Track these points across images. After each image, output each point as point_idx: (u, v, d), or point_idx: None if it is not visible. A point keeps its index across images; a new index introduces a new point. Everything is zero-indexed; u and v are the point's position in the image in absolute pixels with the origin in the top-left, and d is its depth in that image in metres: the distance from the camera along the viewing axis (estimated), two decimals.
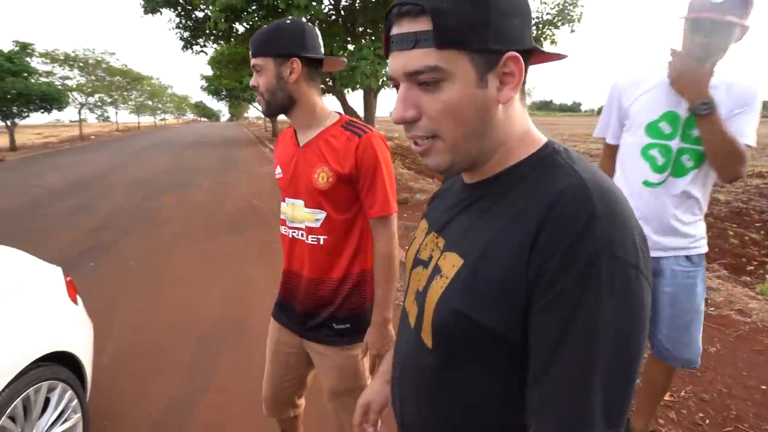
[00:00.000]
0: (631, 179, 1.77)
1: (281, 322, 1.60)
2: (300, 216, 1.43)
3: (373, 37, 6.12)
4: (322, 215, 1.39)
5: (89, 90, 31.98)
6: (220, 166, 13.78)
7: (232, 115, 79.97)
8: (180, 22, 6.75)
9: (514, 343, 0.56)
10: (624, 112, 1.81)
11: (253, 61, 1.34)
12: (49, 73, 26.45)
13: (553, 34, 6.27)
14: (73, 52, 29.04)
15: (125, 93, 41.93)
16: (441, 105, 0.58)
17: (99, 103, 36.36)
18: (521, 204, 0.58)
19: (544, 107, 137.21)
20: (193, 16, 6.73)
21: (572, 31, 6.15)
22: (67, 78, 29.47)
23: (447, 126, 0.59)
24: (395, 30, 0.59)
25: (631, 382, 0.51)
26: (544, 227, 0.52)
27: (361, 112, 7.25)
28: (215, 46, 8.30)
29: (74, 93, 30.32)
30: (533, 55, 0.62)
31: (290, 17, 1.40)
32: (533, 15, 6.42)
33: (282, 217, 1.50)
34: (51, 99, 21.50)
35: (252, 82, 1.37)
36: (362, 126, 1.40)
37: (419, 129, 0.61)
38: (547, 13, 6.19)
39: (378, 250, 1.42)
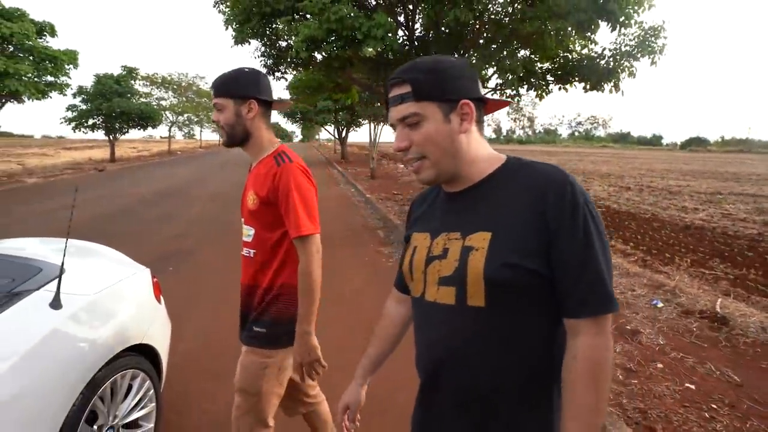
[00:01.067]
0: None
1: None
2: (244, 232, 1.65)
3: None
4: (251, 231, 1.61)
5: (180, 110, 35.14)
6: None
7: (304, 137, 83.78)
8: (265, 51, 7.34)
9: (548, 277, 0.84)
10: None
11: (215, 101, 1.57)
12: (147, 95, 29.47)
13: (632, 66, 6.07)
14: (169, 75, 32.19)
15: (210, 113, 45.50)
16: (422, 136, 0.91)
17: (187, 122, 39.80)
18: (522, 190, 0.88)
19: (621, 139, 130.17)
20: (277, 45, 7.29)
21: (653, 63, 5.91)
22: (162, 99, 32.63)
23: (429, 149, 0.91)
24: (391, 94, 0.92)
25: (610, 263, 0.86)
26: (549, 199, 0.84)
27: None
28: (294, 72, 8.92)
29: (167, 112, 33.45)
30: (485, 102, 0.97)
31: (248, 67, 1.63)
32: (611, 47, 6.26)
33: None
34: (147, 117, 23.89)
35: (214, 117, 1.60)
36: (287, 157, 1.59)
37: (411, 153, 0.93)
38: (626, 45, 6.02)
39: (299, 267, 1.55)
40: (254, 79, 1.59)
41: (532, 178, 0.89)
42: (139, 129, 24.69)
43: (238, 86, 1.56)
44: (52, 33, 12.98)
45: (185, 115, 37.44)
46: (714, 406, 2.63)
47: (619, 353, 3.24)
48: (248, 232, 1.63)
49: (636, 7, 5.37)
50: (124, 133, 23.96)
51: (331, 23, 5.23)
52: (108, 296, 2.03)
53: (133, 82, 24.60)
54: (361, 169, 20.47)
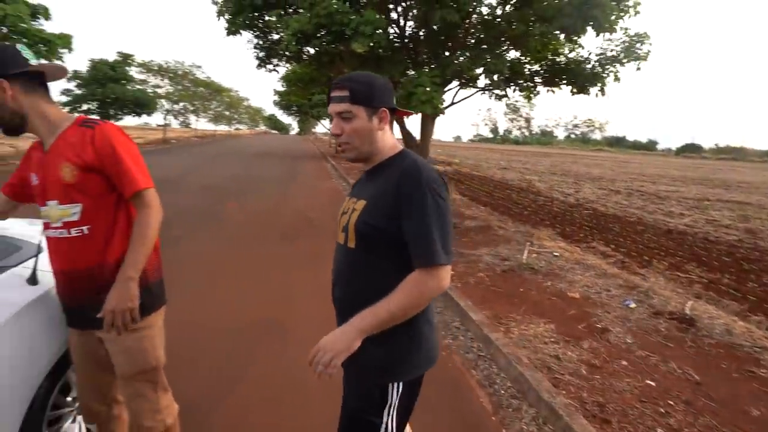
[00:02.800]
0: None
1: (76, 325, 1.66)
2: (56, 214, 1.51)
3: (433, 65, 6.32)
4: (78, 207, 1.49)
5: (176, 98, 34.91)
6: (284, 177, 14.50)
7: (300, 130, 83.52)
8: (257, 43, 7.37)
9: (398, 237, 1.22)
10: None
11: None
12: (143, 81, 29.24)
13: (617, 71, 6.16)
14: (165, 63, 31.95)
15: (206, 103, 45.23)
16: (352, 129, 1.28)
17: (183, 111, 39.49)
18: (391, 174, 1.26)
19: (616, 143, 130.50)
20: (269, 38, 7.32)
21: (638, 68, 6.01)
22: (158, 86, 32.39)
23: (354, 138, 1.30)
24: (334, 93, 1.28)
25: (450, 233, 1.23)
26: (402, 178, 1.22)
27: (417, 135, 7.45)
28: (287, 65, 8.95)
29: (162, 100, 33.22)
30: (396, 109, 1.35)
31: None
32: (598, 51, 6.35)
33: (45, 220, 1.55)
34: (142, 104, 23.77)
35: None
36: (95, 120, 1.53)
37: (342, 138, 1.30)
38: (612, 50, 6.11)
39: (136, 219, 1.54)
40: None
41: (401, 166, 1.26)
42: (134, 116, 24.55)
43: None
44: (46, 16, 12.88)
45: (181, 104, 37.21)
46: (670, 402, 2.73)
47: (586, 350, 3.34)
48: (72, 210, 1.50)
49: (621, 14, 5.46)
50: (118, 120, 23.82)
51: (320, 18, 5.27)
52: None
53: (128, 68, 24.42)
54: (354, 164, 20.41)
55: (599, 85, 6.30)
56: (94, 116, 1.59)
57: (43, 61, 1.76)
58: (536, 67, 6.80)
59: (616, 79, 6.23)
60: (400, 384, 1.33)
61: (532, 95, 7.10)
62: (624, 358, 3.25)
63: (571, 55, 6.66)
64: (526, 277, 5.08)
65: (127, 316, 1.50)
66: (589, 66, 6.36)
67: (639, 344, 3.50)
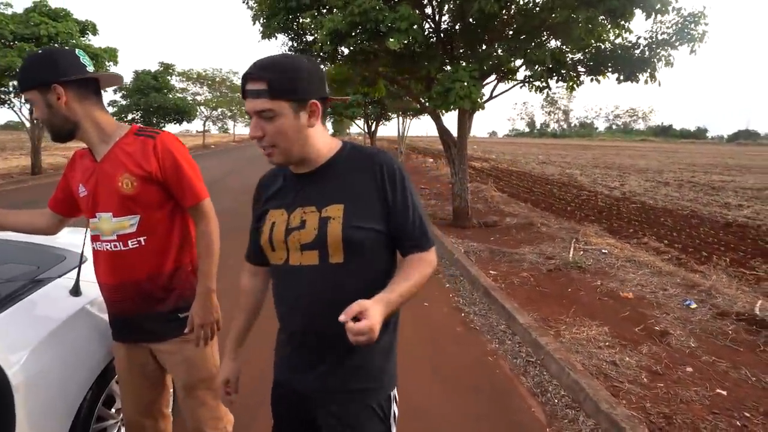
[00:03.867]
0: None
1: (127, 339, 1.60)
2: (110, 227, 1.45)
3: (471, 60, 6.12)
4: (135, 219, 1.45)
5: (214, 104, 35.99)
6: None
7: (335, 131, 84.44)
8: (291, 45, 7.40)
9: (385, 233, 1.10)
10: None
11: (24, 96, 1.43)
12: (183, 90, 30.33)
13: (669, 55, 5.75)
14: (204, 71, 32.98)
15: (243, 107, 46.40)
16: (275, 129, 1.03)
17: (221, 117, 40.71)
18: (358, 168, 1.11)
19: (662, 133, 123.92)
20: (303, 39, 7.33)
21: (692, 51, 5.59)
22: (197, 94, 33.50)
23: (279, 140, 1.05)
24: (248, 87, 1.02)
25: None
26: (382, 172, 1.09)
27: (454, 132, 7.28)
28: (321, 66, 8.90)
29: (202, 107, 34.33)
30: (327, 98, 1.10)
31: (42, 48, 1.45)
32: (646, 35, 5.96)
33: (95, 233, 1.50)
34: (183, 111, 24.59)
35: (35, 114, 1.45)
36: (154, 130, 1.49)
37: (264, 142, 1.05)
38: (663, 33, 5.71)
39: (198, 231, 1.52)
40: (48, 60, 1.38)
41: (366, 157, 1.12)
42: (175, 123, 25.43)
43: (34, 74, 1.38)
44: (94, 32, 13.49)
45: (219, 110, 38.36)
46: (747, 414, 2.50)
47: (646, 355, 3.12)
48: (129, 222, 1.46)
49: None
50: (161, 128, 24.61)
51: (355, 16, 5.20)
52: None
53: (169, 77, 25.34)
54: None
55: (649, 71, 5.91)
56: (141, 125, 1.53)
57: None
58: (579, 56, 6.47)
59: (668, 63, 5.82)
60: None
61: (575, 86, 6.76)
62: (689, 364, 3.01)
63: (617, 41, 6.27)
64: (573, 276, 4.84)
65: (214, 327, 1.55)
66: (638, 51, 5.97)
67: (704, 349, 3.24)
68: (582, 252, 5.72)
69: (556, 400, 2.74)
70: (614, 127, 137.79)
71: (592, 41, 6.20)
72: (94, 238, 1.51)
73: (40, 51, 1.42)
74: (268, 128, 1.04)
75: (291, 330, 1.18)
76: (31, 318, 1.64)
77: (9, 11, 12.24)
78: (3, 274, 1.77)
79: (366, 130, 30.82)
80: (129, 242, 1.46)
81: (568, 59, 6.45)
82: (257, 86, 1.01)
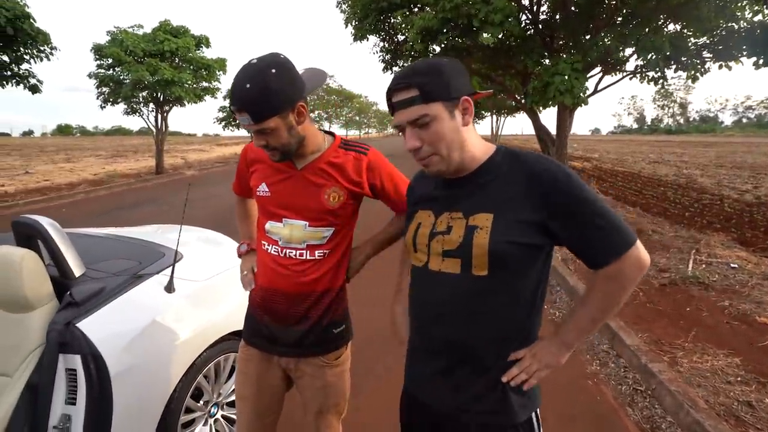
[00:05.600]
0: None
1: (271, 350, 1.49)
2: (300, 236, 1.41)
3: (573, 51, 5.61)
4: (330, 231, 1.42)
5: (311, 107, 37.84)
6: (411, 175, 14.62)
7: None
8: (383, 46, 7.44)
9: (544, 247, 1.02)
10: None
11: (258, 127, 1.25)
12: None
13: None
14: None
15: (338, 109, 48.28)
16: (433, 135, 1.00)
17: (317, 119, 42.76)
18: (513, 175, 1.02)
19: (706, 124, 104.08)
20: (395, 39, 7.33)
21: None
22: None
23: (439, 146, 1.01)
24: (397, 98, 1.01)
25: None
26: (543, 184, 0.98)
27: (553, 130, 6.78)
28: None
29: None
30: (475, 95, 1.05)
31: (262, 63, 1.23)
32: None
33: (274, 237, 1.43)
34: None
35: (258, 143, 1.29)
36: (363, 145, 1.46)
37: (423, 152, 1.03)
38: None
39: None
40: (294, 78, 1.29)
41: (525, 165, 1.02)
42: None
43: (282, 97, 1.26)
44: (207, 45, 14.86)
45: (316, 112, 40.29)
46: None
47: None
48: (323, 234, 1.42)
49: None
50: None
51: (446, 12, 5.03)
52: (217, 283, 2.17)
53: None
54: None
55: None
56: (343, 136, 1.53)
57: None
58: (704, 40, 5.61)
59: None
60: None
61: (699, 75, 5.88)
62: None
63: (756, 19, 5.31)
64: (693, 294, 4.20)
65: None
66: None
67: None
68: (704, 265, 4.97)
69: None
70: (745, 120, 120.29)
71: (721, 22, 5.35)
72: (272, 242, 1.45)
73: (274, 74, 1.23)
74: (425, 135, 1.00)
75: (424, 337, 1.15)
76: (131, 311, 1.75)
77: (140, 32, 13.90)
78: (111, 268, 1.92)
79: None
80: (317, 252, 1.42)
81: (690, 44, 5.64)
82: (407, 95, 0.99)
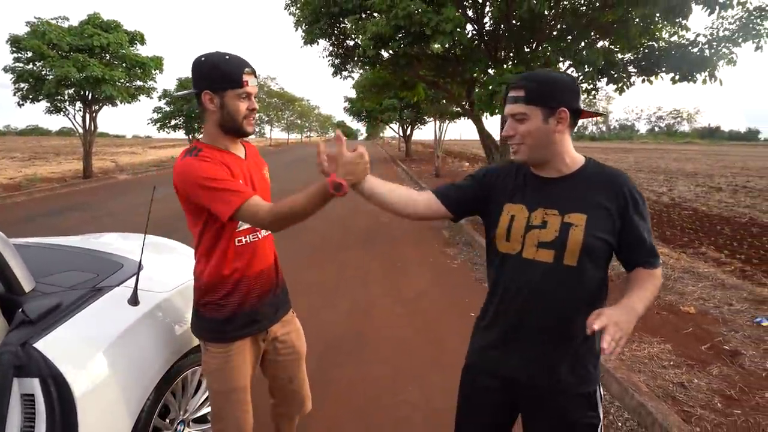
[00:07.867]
0: None
1: (254, 332, 1.67)
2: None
3: (516, 61, 5.94)
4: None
5: None
6: None
7: (368, 135, 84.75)
8: (333, 50, 7.43)
9: (613, 245, 1.25)
10: None
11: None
12: None
13: (731, 53, 5.37)
14: None
15: (279, 112, 47.27)
16: (525, 130, 1.23)
17: (258, 121, 41.62)
18: (602, 184, 1.25)
19: (709, 135, 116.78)
20: (345, 44, 7.35)
21: (758, 48, 5.19)
22: None
23: (527, 140, 1.23)
24: (510, 94, 1.24)
25: None
26: (625, 195, 1.23)
27: (496, 136, 7.10)
28: (361, 71, 8.95)
29: None
30: (580, 112, 1.26)
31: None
32: (706, 32, 5.60)
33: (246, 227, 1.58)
34: None
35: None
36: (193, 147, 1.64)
37: (514, 141, 1.26)
38: (725, 29, 5.34)
39: None
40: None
41: (611, 177, 1.26)
42: None
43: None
44: (142, 41, 14.00)
45: (257, 115, 39.16)
46: None
47: (716, 377, 2.88)
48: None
49: None
50: (199, 132, 25.50)
51: (399, 19, 5.14)
52: (181, 294, 2.08)
53: None
54: (425, 167, 20.28)
55: (708, 70, 5.55)
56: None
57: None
58: (630, 56, 6.16)
59: (730, 62, 5.45)
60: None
61: (625, 87, 6.45)
62: (767, 389, 2.76)
63: (672, 39, 5.93)
64: (622, 288, 4.57)
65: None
66: (696, 49, 5.62)
67: None
68: None
69: (619, 424, 2.56)
70: (657, 129, 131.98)
71: (644, 40, 5.89)
72: (247, 231, 1.59)
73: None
74: (519, 128, 1.23)
75: (509, 315, 1.31)
76: (93, 327, 1.63)
77: (66, 24, 12.87)
78: (64, 281, 1.78)
79: (401, 134, 30.79)
80: (264, 233, 1.66)
81: (617, 59, 6.16)
82: (516, 93, 1.22)
